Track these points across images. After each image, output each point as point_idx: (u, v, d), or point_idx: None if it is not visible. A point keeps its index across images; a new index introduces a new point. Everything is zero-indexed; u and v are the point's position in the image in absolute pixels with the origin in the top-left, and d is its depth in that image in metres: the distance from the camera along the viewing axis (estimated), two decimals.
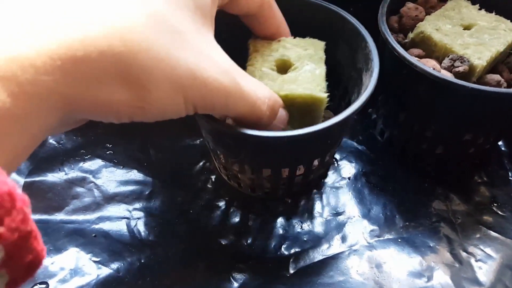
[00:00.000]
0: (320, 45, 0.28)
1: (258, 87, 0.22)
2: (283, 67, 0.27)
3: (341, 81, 0.31)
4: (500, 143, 0.37)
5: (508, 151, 0.36)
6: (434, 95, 0.28)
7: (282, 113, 0.24)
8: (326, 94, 0.25)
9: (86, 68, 0.15)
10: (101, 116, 0.18)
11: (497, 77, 0.29)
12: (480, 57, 0.28)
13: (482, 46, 0.29)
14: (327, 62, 0.27)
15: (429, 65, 0.28)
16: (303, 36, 0.28)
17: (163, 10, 0.18)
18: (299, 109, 0.25)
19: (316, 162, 0.29)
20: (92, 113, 0.17)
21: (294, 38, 0.28)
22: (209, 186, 0.34)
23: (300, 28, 0.28)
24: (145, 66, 0.17)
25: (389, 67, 0.32)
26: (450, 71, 0.28)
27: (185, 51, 0.18)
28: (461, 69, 0.28)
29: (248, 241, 0.30)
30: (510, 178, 0.35)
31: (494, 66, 0.31)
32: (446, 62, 0.29)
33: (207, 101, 0.19)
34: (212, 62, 0.19)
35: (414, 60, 0.27)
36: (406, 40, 0.32)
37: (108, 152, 0.37)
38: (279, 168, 0.28)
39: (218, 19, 0.24)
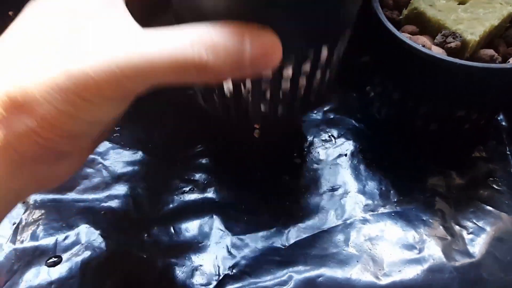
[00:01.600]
0: None
1: (168, 39, 0.18)
2: None
3: None
4: (500, 117, 0.37)
5: (507, 126, 0.36)
6: (425, 72, 0.28)
7: (257, 39, 0.18)
8: None
9: None
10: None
11: (490, 52, 0.29)
12: (473, 32, 0.28)
13: (476, 21, 0.29)
14: None
15: (419, 42, 0.28)
16: None
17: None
18: None
19: (324, 53, 0.23)
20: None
21: None
22: (206, 164, 0.36)
23: None
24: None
25: (382, 45, 0.32)
26: (443, 47, 0.28)
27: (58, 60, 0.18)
28: (453, 45, 0.28)
29: (246, 216, 0.32)
30: (508, 152, 0.35)
31: (491, 40, 0.31)
32: (439, 38, 0.29)
33: (104, 87, 0.18)
34: (94, 53, 0.18)
35: (403, 37, 0.27)
36: (401, 17, 0.32)
37: (115, 135, 0.38)
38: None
39: None
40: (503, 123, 0.37)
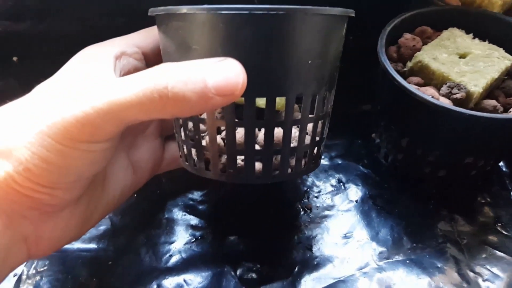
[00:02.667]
0: None
1: (132, 77, 0.20)
2: None
3: None
4: (501, 164, 0.38)
5: (509, 171, 0.38)
6: (434, 122, 0.29)
7: (220, 64, 0.19)
8: None
9: None
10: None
11: (493, 102, 0.30)
12: (477, 84, 0.30)
13: (477, 73, 0.31)
14: None
15: (428, 93, 0.29)
16: None
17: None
18: None
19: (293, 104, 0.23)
20: None
21: None
22: (216, 211, 0.35)
23: None
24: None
25: (390, 96, 0.33)
26: (448, 98, 0.30)
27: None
28: (458, 96, 0.29)
29: (258, 266, 0.31)
30: None
31: (491, 91, 0.32)
32: (444, 89, 0.30)
33: (76, 128, 0.19)
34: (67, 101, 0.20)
35: (413, 89, 0.28)
36: (405, 69, 0.34)
37: None
38: (253, 96, 0.22)
39: None
40: (504, 169, 0.38)
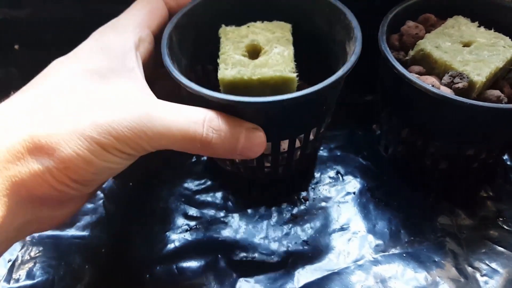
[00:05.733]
0: (286, 27, 0.29)
1: (184, 113, 0.23)
2: (254, 51, 0.28)
3: (324, 60, 0.32)
4: (505, 157, 0.37)
5: None
6: (435, 112, 0.28)
7: (251, 135, 0.24)
8: (296, 74, 0.26)
9: None
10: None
11: (497, 92, 0.29)
12: (480, 74, 0.29)
13: (481, 62, 0.30)
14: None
15: (428, 82, 0.28)
16: (276, 16, 0.30)
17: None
18: (272, 90, 0.26)
19: (311, 135, 0.30)
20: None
21: (262, 22, 0.29)
22: (211, 200, 0.35)
23: (272, 8, 0.30)
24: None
25: (390, 85, 0.32)
26: (450, 88, 0.29)
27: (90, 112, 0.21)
28: (460, 85, 0.28)
29: (253, 256, 0.31)
30: None
31: (495, 81, 0.31)
32: (446, 78, 0.29)
33: (123, 141, 0.21)
34: (114, 107, 0.22)
35: (413, 77, 0.28)
36: (407, 58, 0.33)
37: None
38: (279, 140, 0.29)
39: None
40: (508, 163, 0.37)
